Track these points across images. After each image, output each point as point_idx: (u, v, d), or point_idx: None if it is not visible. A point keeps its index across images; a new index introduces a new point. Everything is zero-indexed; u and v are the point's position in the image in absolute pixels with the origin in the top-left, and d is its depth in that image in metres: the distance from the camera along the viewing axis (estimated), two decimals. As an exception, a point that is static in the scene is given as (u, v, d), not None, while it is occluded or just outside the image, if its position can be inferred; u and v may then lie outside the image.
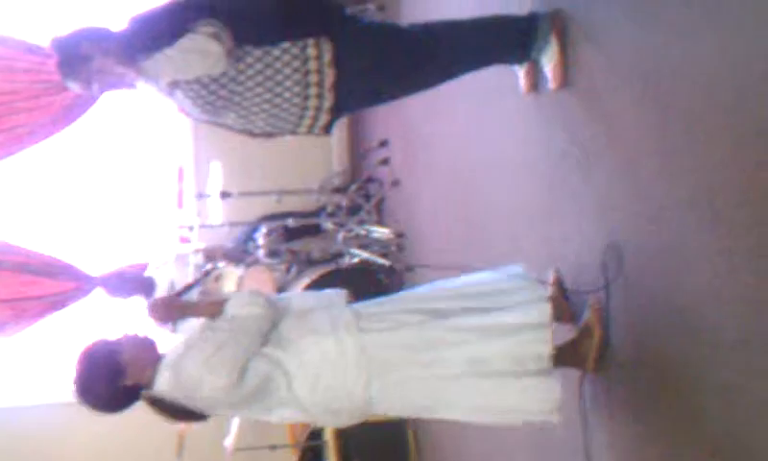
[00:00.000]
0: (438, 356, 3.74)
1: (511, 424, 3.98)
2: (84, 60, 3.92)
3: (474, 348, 3.74)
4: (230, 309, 3.72)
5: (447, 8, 5.89)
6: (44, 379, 8.71)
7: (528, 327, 3.75)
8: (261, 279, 7.31)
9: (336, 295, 3.99)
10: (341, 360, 3.70)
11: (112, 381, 3.68)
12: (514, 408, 3.81)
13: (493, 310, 3.81)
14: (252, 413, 3.80)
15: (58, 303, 8.12)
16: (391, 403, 3.81)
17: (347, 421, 3.87)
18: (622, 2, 3.78)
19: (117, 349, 3.70)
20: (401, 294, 4.13)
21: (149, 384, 3.70)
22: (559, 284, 4.12)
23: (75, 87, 4.07)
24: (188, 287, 4.43)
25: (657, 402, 3.64)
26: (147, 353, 3.73)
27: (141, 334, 3.80)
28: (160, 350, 3.77)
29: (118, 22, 4.05)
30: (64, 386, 8.32)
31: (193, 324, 3.90)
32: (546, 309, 3.79)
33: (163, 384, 3.67)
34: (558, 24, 4.20)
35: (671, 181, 3.43)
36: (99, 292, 7.63)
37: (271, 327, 3.74)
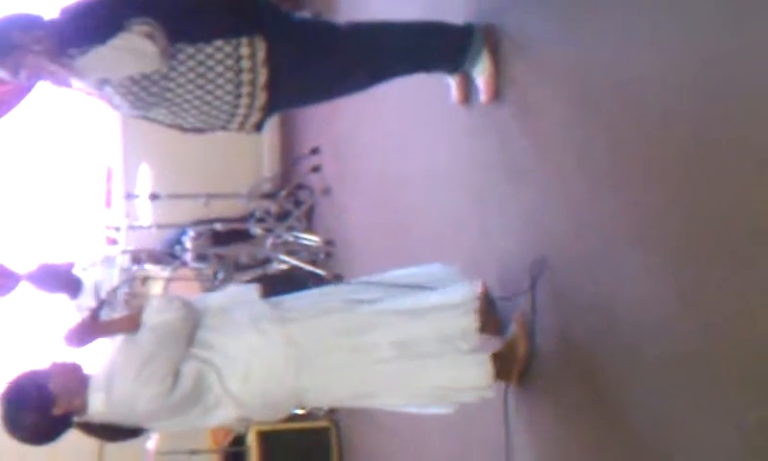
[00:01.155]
0: (364, 341, 3.75)
1: (445, 407, 3.98)
2: (14, 49, 3.86)
3: (400, 329, 3.76)
4: (148, 319, 3.68)
5: (384, 15, 5.90)
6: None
7: (452, 306, 3.78)
8: (188, 284, 7.27)
9: (248, 290, 3.99)
10: (267, 351, 3.70)
11: (43, 413, 3.61)
12: (447, 386, 3.83)
13: (417, 293, 3.83)
14: (191, 419, 3.75)
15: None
16: (322, 392, 3.83)
17: (282, 412, 3.87)
18: (555, 19, 3.82)
19: (45, 379, 3.63)
20: (325, 288, 4.13)
21: (81, 410, 3.65)
22: (486, 296, 4.14)
23: (2, 75, 4.01)
24: (100, 306, 4.35)
25: (580, 414, 3.68)
26: (75, 379, 3.66)
27: (67, 360, 3.73)
28: (86, 371, 3.71)
29: (50, 10, 4.00)
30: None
31: (116, 344, 3.84)
32: (470, 288, 3.82)
33: (98, 406, 3.63)
34: (491, 37, 4.22)
35: (597, 197, 3.47)
36: (24, 288, 7.55)
37: (193, 329, 3.73)
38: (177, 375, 3.60)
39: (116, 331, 3.82)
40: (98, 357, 3.81)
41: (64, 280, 7.08)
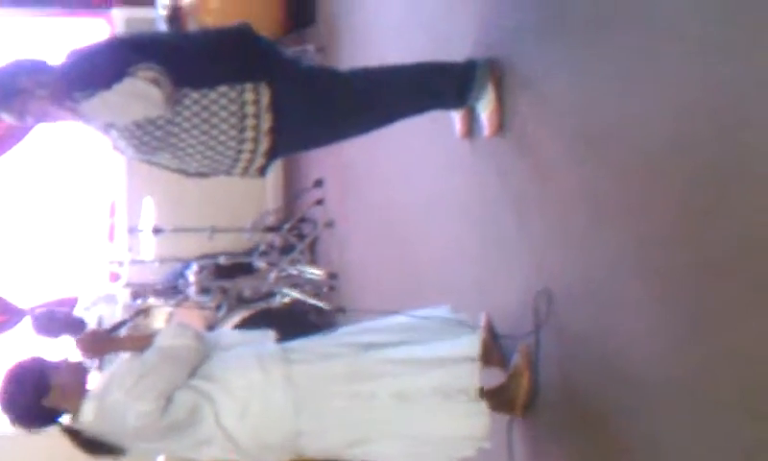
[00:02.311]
0: (364, 389, 3.76)
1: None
2: (20, 94, 3.88)
3: (401, 380, 3.76)
4: (159, 341, 3.73)
5: (386, 51, 5.93)
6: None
7: (456, 360, 3.78)
8: (191, 317, 7.28)
9: (263, 335, 4.00)
10: (268, 390, 3.71)
11: (34, 397, 3.66)
12: (444, 435, 3.83)
13: (423, 343, 3.84)
14: (180, 448, 3.77)
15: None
16: (319, 437, 3.81)
17: (277, 456, 3.86)
18: (559, 54, 3.83)
19: (50, 369, 3.69)
20: (330, 332, 4.14)
21: (72, 413, 3.69)
22: (489, 329, 4.15)
23: (7, 118, 4.03)
24: (119, 325, 4.40)
25: (585, 447, 3.68)
26: (77, 382, 3.72)
27: (78, 363, 3.80)
28: (89, 385, 3.75)
29: (56, 55, 4.03)
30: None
31: (121, 360, 3.89)
32: (475, 342, 3.82)
33: (88, 415, 3.66)
34: (495, 72, 4.25)
35: (600, 230, 3.48)
36: (27, 324, 7.57)
37: (200, 361, 3.74)
38: (170, 399, 3.62)
39: (127, 348, 3.89)
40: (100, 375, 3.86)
41: (68, 324, 7.10)
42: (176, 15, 7.96)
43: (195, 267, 7.46)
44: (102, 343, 3.95)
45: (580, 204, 3.64)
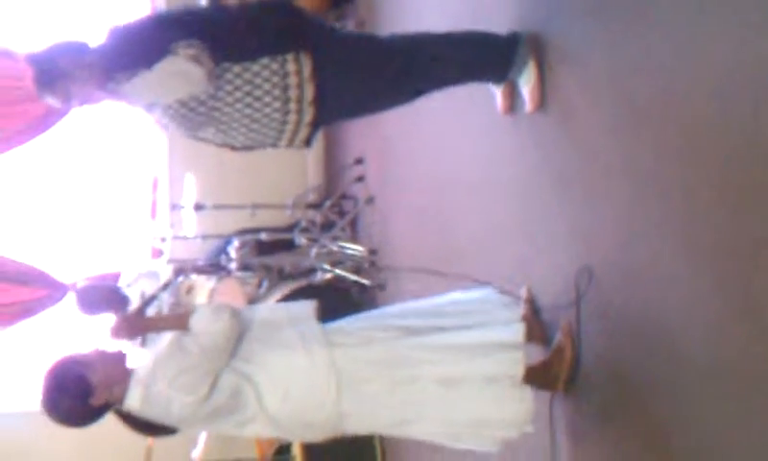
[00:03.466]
0: (408, 374, 3.75)
1: (485, 442, 3.96)
2: (64, 76, 3.89)
3: (446, 368, 3.74)
4: (195, 324, 3.68)
5: (426, 25, 5.91)
6: (12, 388, 8.66)
7: (501, 347, 3.76)
8: (233, 293, 7.30)
9: (304, 308, 3.94)
10: (310, 372, 3.70)
11: (81, 401, 3.65)
12: (487, 418, 3.82)
13: (467, 328, 3.82)
14: (224, 428, 3.79)
15: (29, 309, 8.11)
16: (361, 419, 3.82)
17: (319, 435, 3.86)
18: (600, 27, 3.81)
19: (87, 368, 3.66)
20: (373, 312, 4.13)
21: (119, 400, 3.68)
22: (531, 304, 4.13)
23: (52, 102, 4.05)
24: (147, 302, 4.38)
25: (625, 424, 3.66)
26: (117, 371, 3.70)
27: (112, 350, 3.77)
28: (130, 364, 3.74)
29: (96, 35, 4.04)
30: (32, 395, 8.29)
31: (163, 337, 3.88)
32: (520, 330, 3.80)
33: (135, 401, 3.66)
34: (536, 46, 4.22)
35: (643, 205, 3.46)
36: (70, 300, 7.61)
37: (238, 340, 3.74)
38: (214, 385, 3.63)
39: (163, 328, 3.85)
40: (143, 352, 3.84)
41: (111, 301, 7.13)
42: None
43: (236, 243, 7.48)
44: (136, 325, 3.91)
45: (622, 179, 3.62)
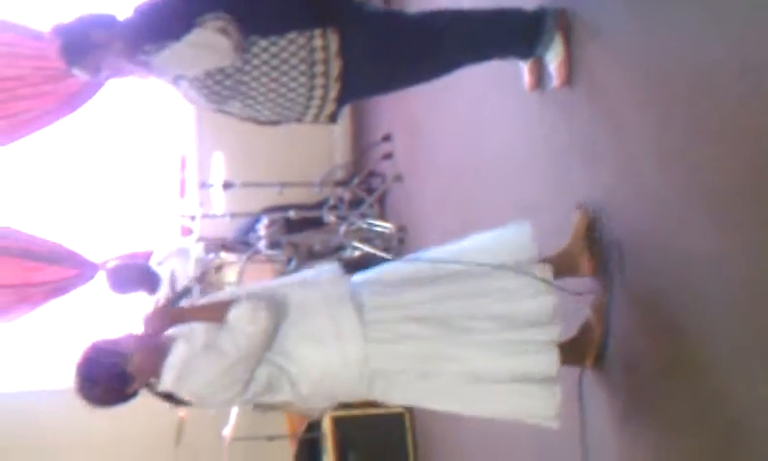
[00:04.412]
0: (441, 368, 3.76)
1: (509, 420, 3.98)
2: (95, 48, 3.91)
3: (479, 364, 3.75)
4: (233, 322, 3.63)
5: (452, 1, 5.90)
6: (42, 365, 8.72)
7: (537, 345, 3.75)
8: (262, 271, 7.32)
9: (337, 288, 3.84)
10: (344, 370, 3.71)
11: (116, 390, 3.69)
12: (515, 411, 3.84)
13: (504, 328, 3.76)
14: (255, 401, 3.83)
15: (60, 288, 8.16)
16: (392, 399, 3.90)
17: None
18: (628, 1, 3.79)
19: (122, 357, 3.65)
20: (405, 269, 4.06)
21: (154, 382, 3.72)
22: (590, 230, 4.05)
23: (81, 74, 4.07)
24: (182, 294, 4.37)
25: (655, 400, 3.66)
26: (153, 358, 3.70)
27: (147, 337, 3.75)
28: (166, 344, 3.73)
29: (122, 10, 4.05)
30: (61, 372, 8.35)
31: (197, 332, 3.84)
32: (556, 330, 3.77)
33: (168, 385, 3.69)
34: (564, 21, 4.21)
35: (673, 181, 3.45)
36: (100, 278, 7.65)
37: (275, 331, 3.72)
38: (250, 379, 3.66)
39: (201, 319, 3.77)
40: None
41: (141, 279, 7.16)
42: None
43: (265, 221, 7.50)
44: (169, 318, 3.84)
45: (650, 154, 3.61)
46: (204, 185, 7.95)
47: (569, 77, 4.23)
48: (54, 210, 8.85)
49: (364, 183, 8.27)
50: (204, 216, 7.65)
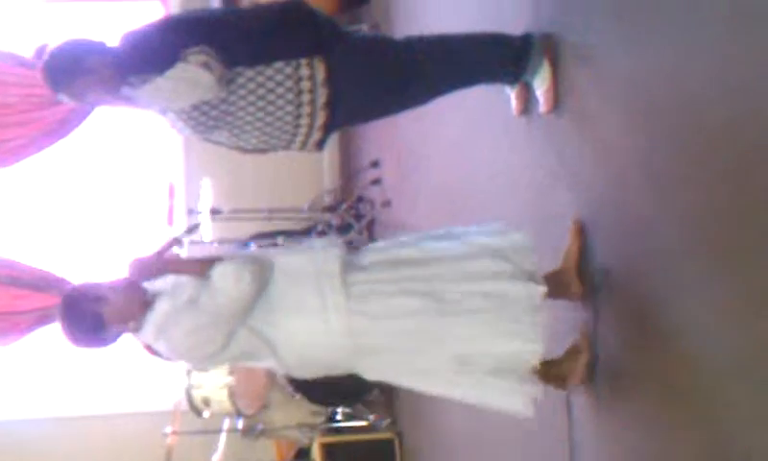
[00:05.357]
0: (425, 348, 3.74)
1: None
2: (85, 73, 3.91)
3: (466, 346, 3.72)
4: (215, 279, 3.62)
5: (441, 27, 5.92)
6: (31, 393, 8.70)
7: (526, 339, 3.71)
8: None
9: (331, 263, 3.75)
10: (327, 339, 3.69)
11: (94, 334, 3.72)
12: (492, 403, 3.83)
13: (491, 310, 3.73)
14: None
15: (48, 316, 8.12)
16: (372, 374, 3.88)
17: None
18: (615, 28, 3.81)
19: (99, 302, 3.69)
20: (396, 249, 3.97)
21: (135, 330, 3.74)
22: (582, 252, 4.03)
23: (67, 100, 4.07)
24: (169, 245, 4.34)
25: (644, 421, 3.67)
26: (131, 306, 3.72)
27: (127, 284, 3.77)
28: (146, 298, 3.74)
29: (105, 38, 4.05)
30: (52, 400, 8.33)
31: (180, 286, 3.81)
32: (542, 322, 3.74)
33: (148, 337, 3.73)
34: (551, 47, 4.22)
35: (659, 206, 3.46)
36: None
37: (261, 292, 3.69)
38: (230, 339, 3.67)
39: (184, 271, 3.77)
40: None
41: None
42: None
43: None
44: (154, 267, 3.82)
45: (638, 180, 3.62)
46: (192, 212, 7.95)
47: (556, 102, 4.25)
48: (42, 237, 8.84)
49: (352, 209, 8.27)
50: (193, 243, 7.64)
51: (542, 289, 3.73)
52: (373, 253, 3.91)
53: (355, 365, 3.80)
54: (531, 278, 3.75)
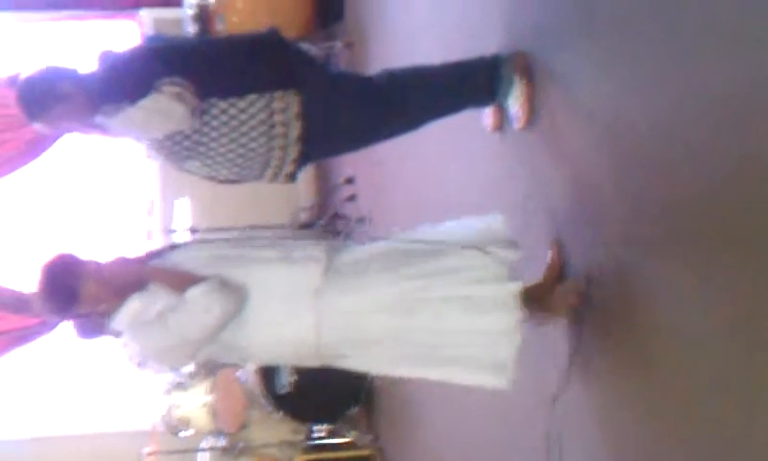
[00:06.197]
0: (402, 324, 3.71)
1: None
2: (59, 101, 3.91)
3: (443, 320, 3.68)
4: (188, 300, 3.61)
5: (414, 46, 5.95)
6: (10, 414, 8.67)
7: (505, 309, 3.71)
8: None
9: (310, 279, 3.70)
10: (296, 336, 3.69)
11: (64, 304, 3.72)
12: (466, 383, 3.83)
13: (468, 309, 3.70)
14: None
15: (23, 337, 8.12)
16: (349, 364, 3.84)
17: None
18: (587, 46, 3.83)
19: (79, 278, 3.69)
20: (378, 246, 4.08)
21: (107, 314, 3.75)
22: (558, 266, 4.06)
23: (39, 127, 4.06)
24: (152, 255, 4.34)
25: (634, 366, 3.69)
26: (106, 294, 3.72)
27: (111, 266, 3.78)
28: (126, 284, 3.73)
29: (86, 60, 4.06)
30: (31, 420, 8.29)
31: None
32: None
33: (120, 326, 3.74)
34: (523, 64, 4.24)
35: (635, 222, 3.48)
36: (65, 327, 7.60)
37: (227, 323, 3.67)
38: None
39: (166, 284, 3.71)
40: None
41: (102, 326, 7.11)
42: (203, 15, 7.99)
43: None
44: (135, 274, 3.77)
45: (611, 195, 3.64)
46: (169, 231, 7.95)
47: (530, 119, 4.27)
48: (18, 257, 8.82)
49: (329, 225, 8.28)
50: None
51: (516, 287, 3.73)
52: (358, 252, 3.94)
53: (328, 359, 3.78)
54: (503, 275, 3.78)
